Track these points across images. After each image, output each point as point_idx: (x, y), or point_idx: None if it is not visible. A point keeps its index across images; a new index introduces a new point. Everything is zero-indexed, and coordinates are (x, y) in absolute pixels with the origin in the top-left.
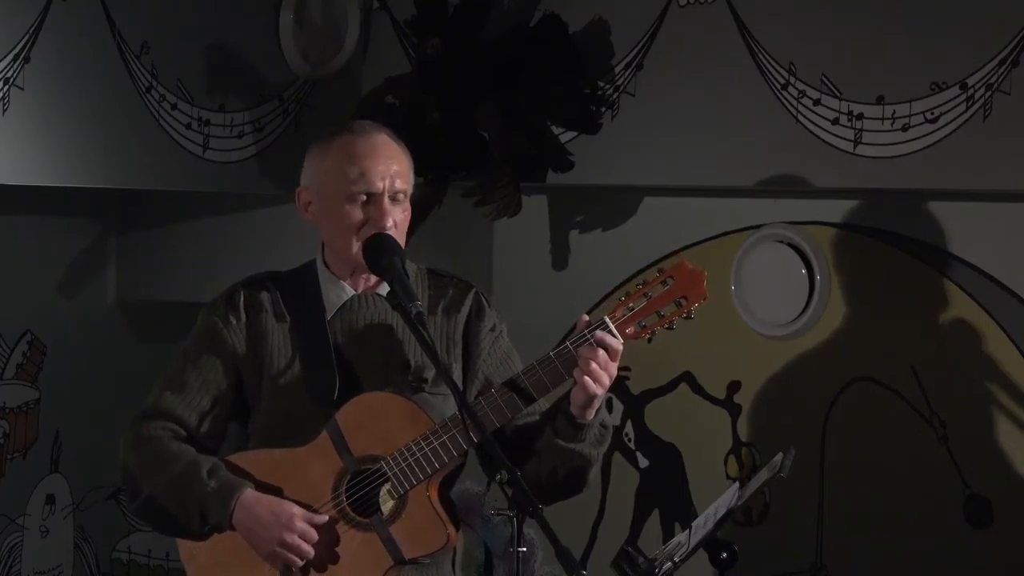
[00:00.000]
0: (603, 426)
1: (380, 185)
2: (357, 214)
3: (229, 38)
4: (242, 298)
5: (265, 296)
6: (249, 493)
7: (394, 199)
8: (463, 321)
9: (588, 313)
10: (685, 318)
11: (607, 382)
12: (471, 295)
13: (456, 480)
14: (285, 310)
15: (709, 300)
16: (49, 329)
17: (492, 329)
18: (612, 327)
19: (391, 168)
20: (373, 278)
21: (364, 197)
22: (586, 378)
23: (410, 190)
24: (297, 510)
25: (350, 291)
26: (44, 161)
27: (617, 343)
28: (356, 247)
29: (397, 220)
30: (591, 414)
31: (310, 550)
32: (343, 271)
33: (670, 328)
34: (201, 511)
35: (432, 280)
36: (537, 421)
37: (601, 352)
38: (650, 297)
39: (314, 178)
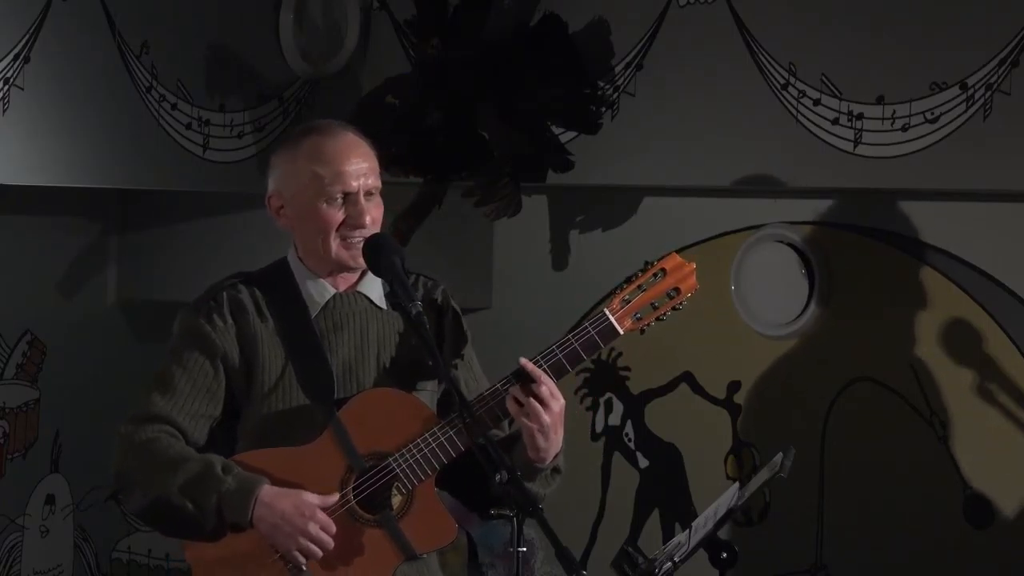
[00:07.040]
0: (555, 470)
1: (355, 184)
2: (335, 214)
3: (229, 38)
4: (225, 299)
5: (246, 296)
6: (268, 488)
7: (368, 196)
8: (434, 319)
9: (587, 314)
10: (676, 309)
11: (545, 421)
12: (439, 293)
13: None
14: (267, 310)
15: (707, 297)
16: (49, 329)
17: (459, 325)
18: (612, 319)
19: (363, 167)
20: (353, 276)
21: (340, 197)
22: (523, 419)
23: (380, 186)
24: (317, 499)
25: (331, 289)
26: (44, 161)
27: (546, 377)
28: (335, 247)
29: (374, 217)
30: (547, 459)
31: (330, 541)
32: (322, 270)
33: (661, 320)
34: (219, 509)
35: None
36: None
37: (543, 388)
38: (643, 290)
39: (285, 182)
